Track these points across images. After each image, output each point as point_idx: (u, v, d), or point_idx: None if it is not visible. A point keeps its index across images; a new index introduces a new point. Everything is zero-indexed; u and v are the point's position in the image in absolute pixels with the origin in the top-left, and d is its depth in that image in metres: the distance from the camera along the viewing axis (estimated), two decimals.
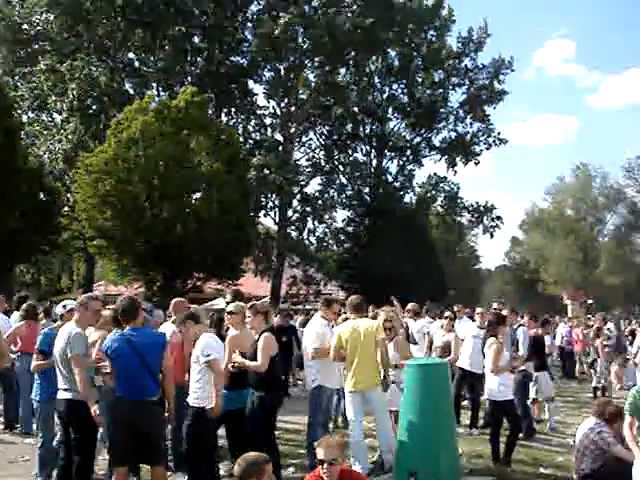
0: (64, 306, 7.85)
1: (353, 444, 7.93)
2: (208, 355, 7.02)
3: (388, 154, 39.33)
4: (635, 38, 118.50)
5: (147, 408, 6.27)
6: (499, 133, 38.45)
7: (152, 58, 32.04)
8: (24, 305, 10.55)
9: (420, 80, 38.83)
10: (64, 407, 6.62)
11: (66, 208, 28.13)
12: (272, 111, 34.97)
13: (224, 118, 32.58)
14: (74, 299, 7.79)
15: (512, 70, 37.85)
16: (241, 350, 7.88)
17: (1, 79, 28.74)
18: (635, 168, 55.76)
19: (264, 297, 28.98)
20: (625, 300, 64.23)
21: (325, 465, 5.12)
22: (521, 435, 9.88)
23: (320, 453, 5.19)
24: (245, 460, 4.57)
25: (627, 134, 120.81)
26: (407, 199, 39.24)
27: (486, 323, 9.89)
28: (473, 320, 12.47)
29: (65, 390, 6.60)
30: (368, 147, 39.40)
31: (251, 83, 34.64)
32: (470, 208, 39.06)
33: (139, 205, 22.73)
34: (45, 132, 30.36)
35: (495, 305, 13.95)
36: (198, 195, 24.41)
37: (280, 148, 33.90)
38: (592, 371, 17.48)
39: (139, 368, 6.27)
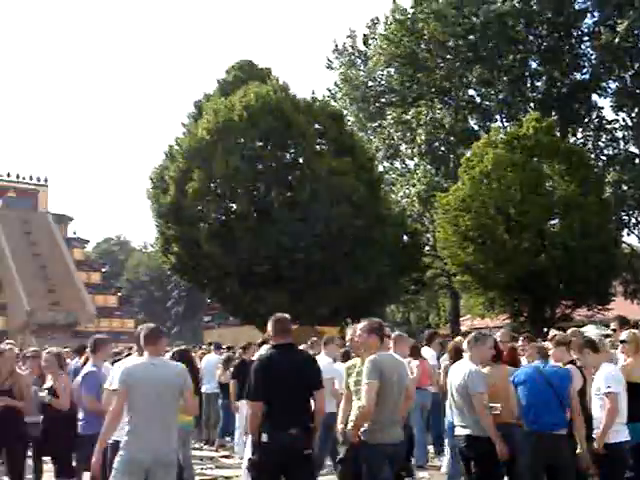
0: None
1: None
2: (609, 387, 6.77)
3: None
4: None
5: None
6: None
7: (492, 91, 32.40)
8: None
9: None
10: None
11: (427, 248, 29.49)
12: (622, 123, 33.12)
13: (571, 138, 31.62)
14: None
15: None
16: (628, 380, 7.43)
17: (357, 136, 31.15)
18: None
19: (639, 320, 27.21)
20: None
21: None
22: None
23: None
24: None
25: None
26: None
27: None
28: None
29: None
30: None
31: (595, 97, 33.29)
32: None
33: (499, 237, 22.96)
34: (400, 178, 32.21)
35: None
36: (556, 221, 23.98)
37: (636, 161, 31.86)
38: None
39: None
